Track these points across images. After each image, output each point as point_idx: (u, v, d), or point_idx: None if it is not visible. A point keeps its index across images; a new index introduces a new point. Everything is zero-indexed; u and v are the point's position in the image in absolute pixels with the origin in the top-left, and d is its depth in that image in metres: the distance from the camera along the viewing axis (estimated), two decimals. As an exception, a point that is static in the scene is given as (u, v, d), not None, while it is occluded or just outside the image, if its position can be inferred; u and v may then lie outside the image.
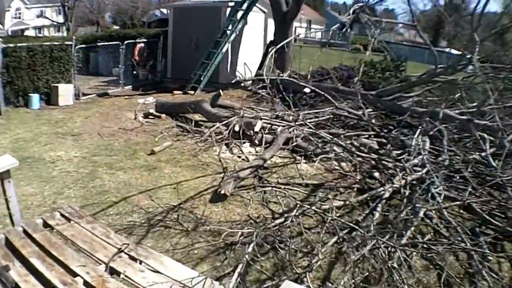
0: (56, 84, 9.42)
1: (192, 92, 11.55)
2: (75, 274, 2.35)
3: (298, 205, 4.46)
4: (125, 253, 2.57)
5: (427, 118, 6.99)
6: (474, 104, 6.86)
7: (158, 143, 6.95)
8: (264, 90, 11.41)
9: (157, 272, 2.44)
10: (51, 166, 5.93)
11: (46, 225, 2.92)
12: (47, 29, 21.29)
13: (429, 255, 4.16)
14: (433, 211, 4.75)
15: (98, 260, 2.50)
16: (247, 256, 3.46)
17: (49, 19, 21.72)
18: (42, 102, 9.20)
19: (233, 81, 12.72)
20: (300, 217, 4.48)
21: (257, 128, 7.03)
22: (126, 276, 2.38)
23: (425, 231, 4.61)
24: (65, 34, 18.94)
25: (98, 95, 10.62)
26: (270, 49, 13.04)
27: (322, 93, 8.00)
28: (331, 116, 7.76)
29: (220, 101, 8.60)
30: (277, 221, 4.35)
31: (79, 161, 6.15)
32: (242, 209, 4.87)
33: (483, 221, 4.77)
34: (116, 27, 20.12)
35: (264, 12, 13.87)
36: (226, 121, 7.11)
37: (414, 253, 4.13)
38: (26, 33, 22.91)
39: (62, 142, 7.00)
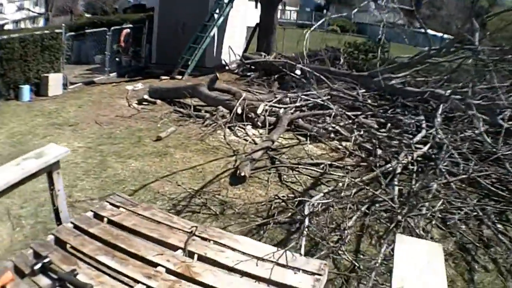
0: (46, 74, 8.98)
1: (180, 76, 11.27)
2: (155, 264, 2.26)
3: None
4: (197, 236, 2.51)
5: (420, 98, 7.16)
6: (466, 84, 7.01)
7: (161, 129, 6.78)
8: (252, 73, 11.40)
9: (237, 250, 2.40)
10: (57, 157, 5.67)
11: (97, 217, 2.78)
12: (23, 22, 20.11)
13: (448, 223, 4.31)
14: (442, 185, 4.90)
15: (173, 245, 2.42)
16: (305, 231, 3.46)
17: (31, 11, 20.52)
18: (32, 93, 8.74)
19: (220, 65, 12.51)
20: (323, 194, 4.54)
21: (259, 111, 6.98)
22: (208, 258, 2.33)
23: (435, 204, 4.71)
24: (41, 25, 17.97)
25: (85, 84, 10.19)
26: (256, 32, 12.95)
27: (318, 75, 7.98)
28: (328, 97, 7.76)
29: (216, 84, 8.44)
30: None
31: (84, 151, 5.92)
32: (262, 190, 4.86)
33: (486, 194, 4.97)
34: (88, 15, 19.22)
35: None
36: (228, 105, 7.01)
37: (433, 223, 4.27)
38: (6, 27, 21.61)
39: (60, 133, 6.70)
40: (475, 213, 4.48)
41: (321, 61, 10.99)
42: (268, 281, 2.27)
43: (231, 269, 2.33)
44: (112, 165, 5.43)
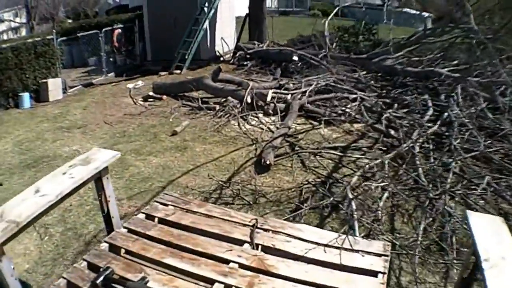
0: (44, 80, 8.78)
1: (178, 71, 11.06)
2: (226, 261, 2.17)
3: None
4: (259, 228, 2.42)
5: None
6: (464, 62, 7.01)
7: (174, 124, 6.64)
8: (249, 62, 11.21)
9: (302, 239, 2.33)
10: (73, 160, 5.49)
11: (150, 218, 2.66)
12: (5, 34, 19.47)
13: (469, 200, 4.29)
14: (459, 161, 4.88)
15: (239, 240, 2.33)
16: (355, 214, 3.41)
17: (14, 21, 19.84)
18: (32, 100, 8.52)
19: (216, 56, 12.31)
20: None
21: (268, 98, 6.87)
22: (277, 249, 2.25)
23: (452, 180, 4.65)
24: (23, 35, 17.44)
25: (84, 86, 9.94)
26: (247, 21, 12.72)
27: (317, 59, 7.89)
28: (332, 80, 7.68)
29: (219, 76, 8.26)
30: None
31: (101, 151, 5.73)
32: (289, 177, 4.80)
33: (498, 170, 4.95)
34: (69, 21, 18.71)
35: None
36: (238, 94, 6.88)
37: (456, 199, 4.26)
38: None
39: (70, 136, 6.51)
40: (492, 188, 4.46)
41: (314, 46, 10.88)
42: (341, 267, 2.21)
43: (301, 258, 2.27)
44: (133, 163, 5.30)
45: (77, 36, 10.43)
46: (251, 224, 2.46)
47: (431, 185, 4.41)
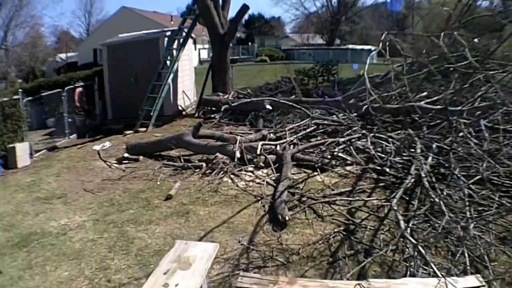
0: (12, 145, 7.99)
1: (143, 129, 10.70)
2: None
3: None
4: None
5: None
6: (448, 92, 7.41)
7: (163, 186, 6.28)
8: (216, 115, 11.16)
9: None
10: (66, 238, 4.94)
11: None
12: None
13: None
14: (465, 189, 5.08)
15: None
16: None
17: None
18: (1, 167, 7.67)
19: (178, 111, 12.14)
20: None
21: (258, 151, 6.79)
22: None
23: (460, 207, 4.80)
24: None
25: (48, 150, 9.21)
26: (211, 73, 12.81)
27: (299, 106, 8.04)
28: (315, 126, 7.84)
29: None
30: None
31: (94, 225, 5.23)
32: (309, 230, 4.65)
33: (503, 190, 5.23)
34: (19, 81, 17.83)
35: (192, 37, 13.52)
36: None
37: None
38: None
39: (52, 208, 5.89)
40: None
41: (283, 92, 11.19)
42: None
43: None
44: (136, 235, 4.85)
45: (41, 96, 9.79)
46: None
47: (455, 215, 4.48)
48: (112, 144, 9.37)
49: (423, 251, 3.59)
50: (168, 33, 11.65)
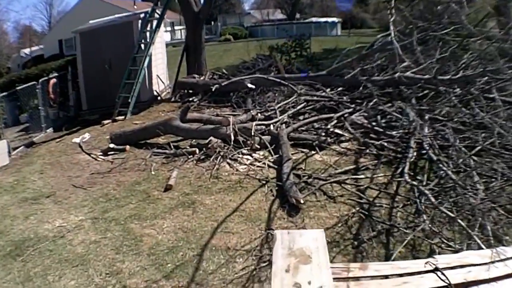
0: None
1: (122, 117, 10.04)
2: None
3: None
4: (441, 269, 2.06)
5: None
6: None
7: (159, 177, 5.88)
8: (194, 97, 10.65)
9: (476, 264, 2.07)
10: (65, 242, 4.48)
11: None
12: None
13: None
14: (469, 159, 5.04)
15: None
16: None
17: None
18: None
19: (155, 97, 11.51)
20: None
21: (253, 132, 6.47)
22: (471, 281, 1.96)
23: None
24: None
25: (26, 146, 8.47)
26: (185, 54, 12.16)
27: (286, 83, 7.70)
28: (305, 103, 7.57)
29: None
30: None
31: (92, 224, 4.80)
32: (324, 212, 4.45)
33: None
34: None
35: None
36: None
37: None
38: None
39: (43, 209, 5.37)
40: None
41: (261, 70, 10.79)
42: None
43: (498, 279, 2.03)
44: (143, 232, 4.48)
45: (16, 90, 8.92)
46: (431, 268, 2.10)
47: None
48: (91, 135, 8.76)
49: (463, 224, 3.46)
50: (142, 15, 10.85)
